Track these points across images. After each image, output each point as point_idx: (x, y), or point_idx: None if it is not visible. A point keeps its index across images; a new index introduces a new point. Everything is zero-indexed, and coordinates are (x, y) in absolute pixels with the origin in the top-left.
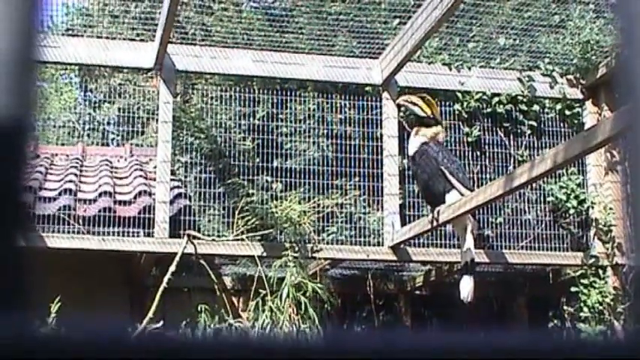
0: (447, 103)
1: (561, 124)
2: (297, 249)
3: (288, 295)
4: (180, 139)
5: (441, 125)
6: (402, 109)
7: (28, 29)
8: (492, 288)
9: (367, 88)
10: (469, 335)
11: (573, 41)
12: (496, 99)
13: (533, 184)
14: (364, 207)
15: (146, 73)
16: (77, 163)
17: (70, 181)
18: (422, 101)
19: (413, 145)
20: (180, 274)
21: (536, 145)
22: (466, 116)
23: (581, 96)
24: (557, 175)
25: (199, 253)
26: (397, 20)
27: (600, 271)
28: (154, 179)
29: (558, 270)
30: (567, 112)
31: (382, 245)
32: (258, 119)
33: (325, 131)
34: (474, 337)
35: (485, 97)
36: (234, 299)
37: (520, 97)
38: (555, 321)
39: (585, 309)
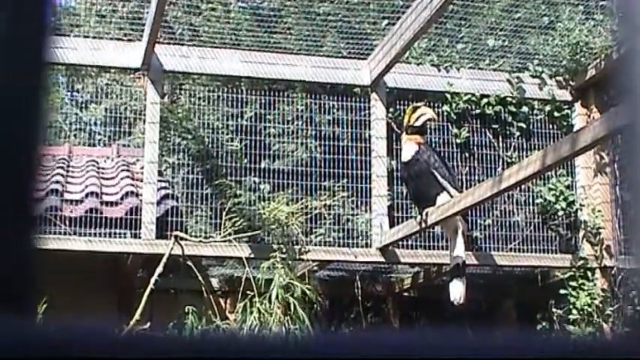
0: (436, 105)
1: (550, 126)
2: (284, 250)
3: (277, 297)
4: (168, 139)
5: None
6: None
7: (38, 29)
8: (480, 290)
9: (356, 89)
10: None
11: (563, 43)
12: (485, 100)
13: (522, 186)
14: (352, 208)
15: (133, 74)
16: (63, 163)
17: (57, 182)
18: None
19: (407, 151)
20: (168, 276)
21: (525, 146)
22: (455, 117)
23: (570, 97)
24: (546, 176)
25: (186, 254)
26: (386, 21)
27: (589, 273)
28: (141, 180)
29: (547, 272)
30: (556, 114)
31: (370, 247)
32: (246, 120)
33: (313, 132)
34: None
35: (474, 98)
36: (222, 301)
37: (509, 99)
38: (544, 323)
39: (574, 311)
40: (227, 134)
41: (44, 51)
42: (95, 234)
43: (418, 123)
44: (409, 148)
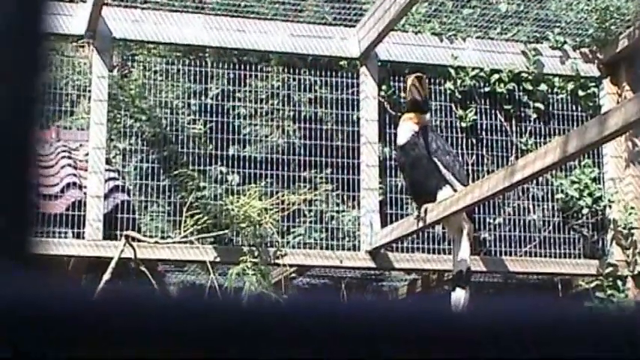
0: (437, 81)
1: (573, 107)
2: (257, 254)
3: None
4: (118, 121)
5: (430, 111)
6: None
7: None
8: None
9: (342, 62)
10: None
11: (589, 7)
12: (496, 76)
13: (540, 179)
14: (337, 204)
15: (76, 42)
16: None
17: None
18: (419, 83)
19: (404, 133)
20: (117, 284)
21: (543, 131)
22: (460, 97)
23: (597, 73)
24: (568, 167)
25: (139, 257)
26: None
27: (619, 282)
28: (86, 169)
29: (569, 281)
30: (581, 93)
31: (358, 250)
32: (212, 98)
33: (291, 113)
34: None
35: (482, 73)
36: None
37: (524, 75)
38: None
39: None
40: (188, 115)
41: (42, 20)
42: None
43: (410, 97)
44: (406, 128)
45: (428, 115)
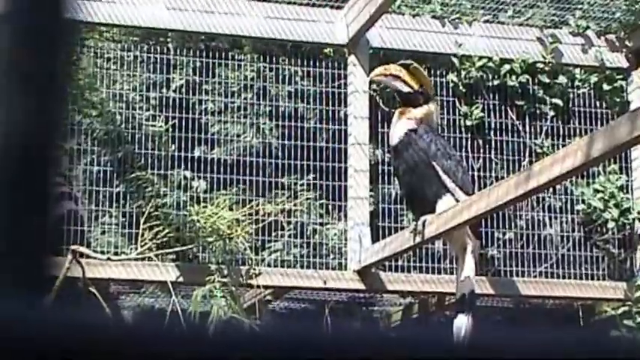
0: (438, 72)
1: (598, 103)
2: (226, 273)
3: None
4: None
5: (435, 102)
6: (377, 83)
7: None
8: None
9: (327, 50)
10: None
11: None
12: (507, 67)
13: (557, 187)
14: (321, 215)
15: None
16: None
17: None
18: (405, 72)
19: (396, 132)
20: (62, 306)
21: (562, 131)
22: (464, 91)
23: (626, 63)
24: (590, 173)
25: (88, 277)
26: None
27: None
28: None
29: (591, 306)
30: (606, 86)
31: (345, 269)
32: (174, 91)
33: (268, 109)
34: None
35: (491, 64)
36: None
37: (540, 65)
38: None
39: None
40: (147, 110)
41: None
42: None
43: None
44: (399, 126)
45: (426, 110)
